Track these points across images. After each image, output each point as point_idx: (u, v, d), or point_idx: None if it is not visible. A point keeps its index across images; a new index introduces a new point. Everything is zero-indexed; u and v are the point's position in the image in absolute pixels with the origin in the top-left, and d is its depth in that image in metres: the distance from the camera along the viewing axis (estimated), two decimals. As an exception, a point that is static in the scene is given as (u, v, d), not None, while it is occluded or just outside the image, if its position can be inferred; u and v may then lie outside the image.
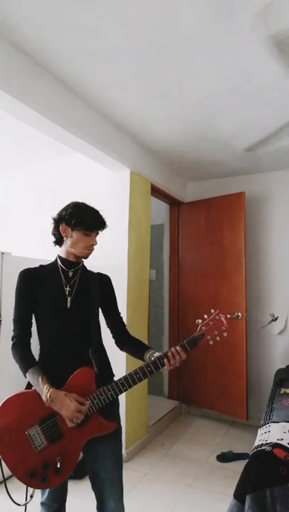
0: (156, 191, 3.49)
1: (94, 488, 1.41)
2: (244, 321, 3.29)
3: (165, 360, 1.32)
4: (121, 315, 1.60)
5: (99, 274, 1.57)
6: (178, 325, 3.89)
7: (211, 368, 3.48)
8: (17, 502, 1.34)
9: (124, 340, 1.55)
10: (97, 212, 1.47)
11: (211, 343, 1.39)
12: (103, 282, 1.55)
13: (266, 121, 2.61)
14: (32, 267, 1.48)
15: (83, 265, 1.54)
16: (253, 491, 1.49)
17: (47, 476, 1.28)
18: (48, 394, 1.27)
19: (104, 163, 2.87)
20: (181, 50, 1.87)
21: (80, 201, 1.50)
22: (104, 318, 1.56)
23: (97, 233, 1.48)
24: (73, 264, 1.48)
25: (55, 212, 1.49)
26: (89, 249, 1.45)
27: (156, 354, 1.37)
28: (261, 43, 1.80)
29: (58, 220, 1.46)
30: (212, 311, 1.43)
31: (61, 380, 1.33)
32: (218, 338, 1.39)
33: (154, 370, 1.32)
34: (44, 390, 1.28)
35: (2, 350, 2.43)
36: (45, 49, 1.89)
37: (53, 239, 1.51)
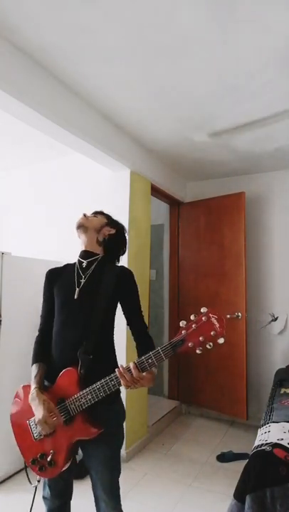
0: (156, 191, 3.49)
1: (91, 484, 1.43)
2: (244, 321, 3.29)
3: (121, 380, 1.22)
4: (142, 314, 1.47)
5: (120, 268, 1.51)
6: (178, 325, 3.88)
7: (211, 367, 3.48)
8: (30, 481, 1.43)
9: (137, 345, 1.45)
10: None
11: (198, 351, 1.14)
12: (121, 277, 1.46)
13: (265, 121, 2.62)
14: (58, 266, 1.59)
15: (104, 259, 1.51)
16: (253, 491, 1.49)
17: (44, 465, 1.33)
18: (31, 393, 1.34)
19: (105, 163, 2.87)
20: (180, 50, 1.87)
21: None
22: (124, 316, 1.48)
23: (95, 214, 1.60)
24: (88, 255, 1.50)
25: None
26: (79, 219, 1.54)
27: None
28: (261, 43, 1.80)
29: None
30: (202, 310, 1.17)
31: (55, 377, 1.36)
32: (208, 346, 1.13)
33: (118, 385, 1.25)
34: (31, 388, 1.36)
35: (2, 350, 2.44)
36: (46, 49, 1.89)
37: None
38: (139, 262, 3.05)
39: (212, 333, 1.14)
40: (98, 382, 1.27)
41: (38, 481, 1.41)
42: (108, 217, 1.63)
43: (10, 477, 2.43)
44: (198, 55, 1.90)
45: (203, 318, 1.16)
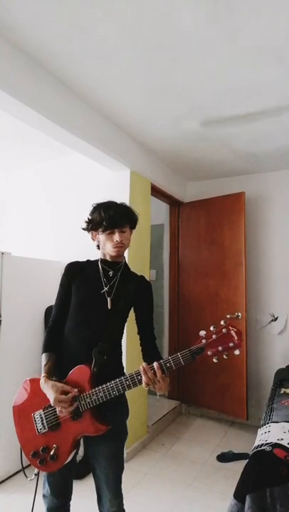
0: (156, 191, 3.49)
1: (94, 480, 1.45)
2: (244, 321, 3.29)
3: (143, 376, 1.25)
4: (153, 325, 1.51)
5: (140, 277, 1.53)
6: (178, 325, 3.89)
7: (211, 368, 3.48)
8: (26, 475, 1.45)
9: (145, 353, 1.49)
10: (116, 208, 1.44)
11: (215, 360, 1.22)
12: (140, 287, 1.50)
13: (266, 121, 2.62)
14: (79, 260, 1.56)
15: (126, 265, 1.53)
16: (253, 491, 1.49)
17: (45, 459, 1.35)
18: (40, 382, 1.36)
19: (105, 163, 2.87)
20: (181, 50, 1.87)
21: (103, 201, 1.48)
22: (136, 324, 1.51)
23: (123, 229, 1.43)
24: (113, 265, 1.49)
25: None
26: (116, 247, 1.42)
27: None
28: (260, 43, 1.80)
29: (86, 229, 1.51)
30: (221, 322, 1.25)
31: (68, 372, 1.38)
32: (225, 356, 1.21)
33: (132, 386, 1.28)
34: (41, 377, 1.38)
35: (2, 350, 2.44)
36: (46, 49, 1.89)
37: (96, 246, 1.54)
38: (139, 262, 3.05)
39: (231, 344, 1.22)
40: (112, 381, 1.30)
41: (36, 475, 1.42)
42: (133, 224, 1.50)
43: (10, 477, 2.43)
44: (198, 54, 1.90)
45: (223, 330, 1.23)
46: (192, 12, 1.61)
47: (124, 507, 1.45)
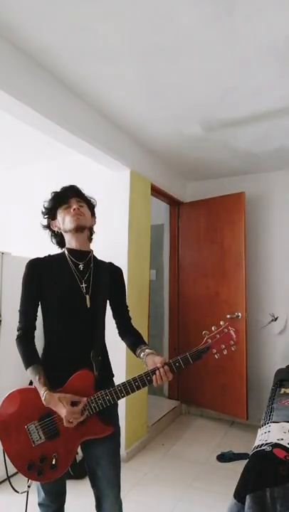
0: (156, 191, 3.49)
1: (92, 486, 1.43)
2: (244, 321, 3.29)
3: (153, 377, 1.30)
4: (128, 307, 1.58)
5: (110, 264, 1.54)
6: (178, 325, 3.89)
7: (211, 368, 3.48)
8: (17, 490, 1.40)
9: (124, 333, 1.54)
10: (65, 186, 1.51)
11: (217, 357, 1.34)
12: (113, 274, 1.52)
13: (266, 121, 2.62)
14: (40, 256, 1.45)
15: (93, 256, 1.49)
16: (253, 491, 1.49)
17: (43, 469, 1.30)
18: (43, 397, 1.28)
19: (104, 163, 2.87)
20: (180, 50, 1.87)
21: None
22: (111, 310, 1.54)
23: (79, 203, 1.46)
24: (82, 255, 1.44)
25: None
26: (74, 216, 1.41)
27: (147, 351, 1.38)
28: (260, 43, 1.80)
29: (47, 225, 1.54)
30: (221, 323, 1.38)
31: (63, 379, 1.32)
32: (225, 352, 1.35)
33: (141, 386, 1.30)
34: (41, 392, 1.29)
35: (2, 351, 2.44)
36: (45, 49, 1.89)
37: (56, 243, 1.54)
38: (139, 262, 3.05)
39: (231, 342, 1.35)
40: (120, 384, 1.30)
41: (29, 486, 1.38)
42: (90, 203, 1.54)
43: (10, 477, 2.43)
44: (197, 55, 1.90)
45: (224, 330, 1.36)
46: (192, 12, 1.61)
47: (124, 507, 1.45)
